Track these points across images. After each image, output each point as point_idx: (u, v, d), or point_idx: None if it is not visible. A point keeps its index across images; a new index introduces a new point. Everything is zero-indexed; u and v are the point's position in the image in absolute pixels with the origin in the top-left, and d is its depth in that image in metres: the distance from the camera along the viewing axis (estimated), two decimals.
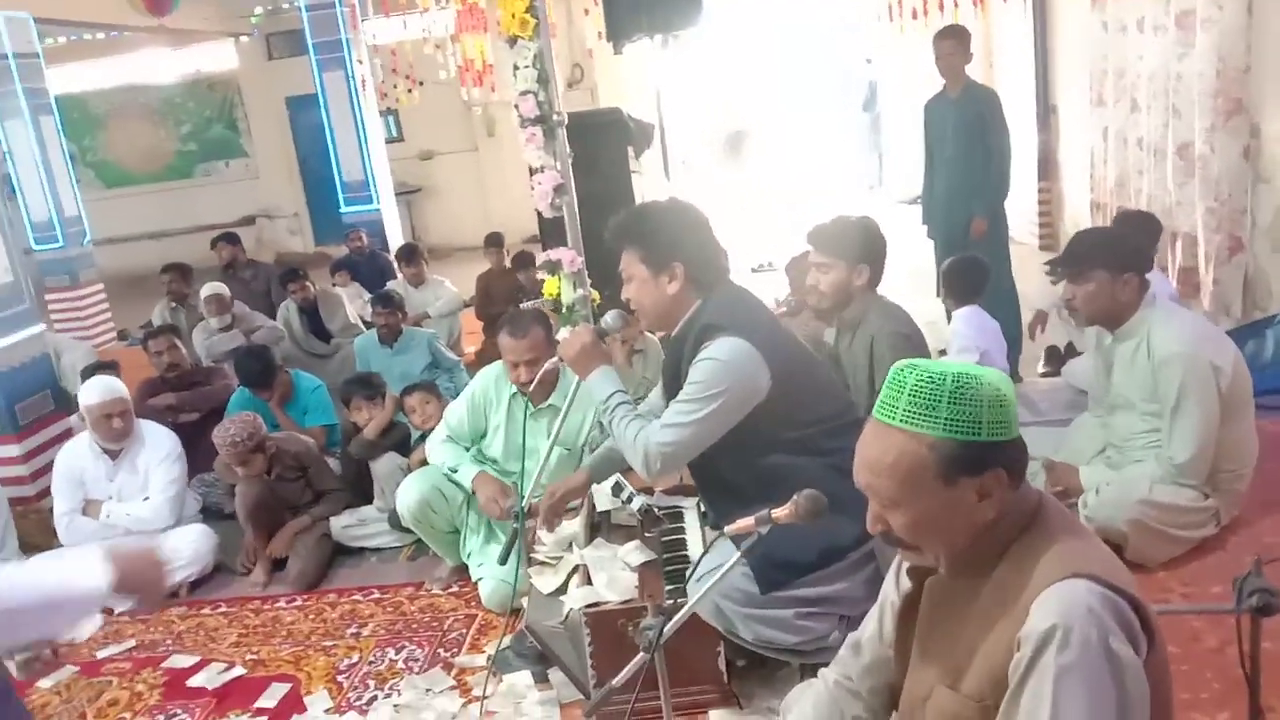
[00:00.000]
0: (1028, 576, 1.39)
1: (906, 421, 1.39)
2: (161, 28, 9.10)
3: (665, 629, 1.80)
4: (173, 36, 10.79)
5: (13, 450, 4.53)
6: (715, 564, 1.95)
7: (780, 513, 1.72)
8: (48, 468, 4.29)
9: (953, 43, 4.97)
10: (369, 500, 4.23)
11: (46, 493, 4.25)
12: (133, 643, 3.64)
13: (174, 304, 7.02)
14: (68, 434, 4.68)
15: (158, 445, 4.15)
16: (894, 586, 1.67)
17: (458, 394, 4.31)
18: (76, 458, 4.12)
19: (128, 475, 4.11)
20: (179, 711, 3.18)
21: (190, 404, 4.91)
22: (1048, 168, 7.95)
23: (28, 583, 1.56)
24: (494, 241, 7.46)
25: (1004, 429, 1.38)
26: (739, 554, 1.77)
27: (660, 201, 2.70)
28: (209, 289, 6.37)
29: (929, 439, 1.37)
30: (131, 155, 13.10)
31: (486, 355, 6.65)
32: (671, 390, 2.54)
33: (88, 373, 4.85)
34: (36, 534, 4.41)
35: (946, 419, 1.37)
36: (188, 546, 3.98)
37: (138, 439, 4.13)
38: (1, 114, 8.34)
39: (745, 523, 1.77)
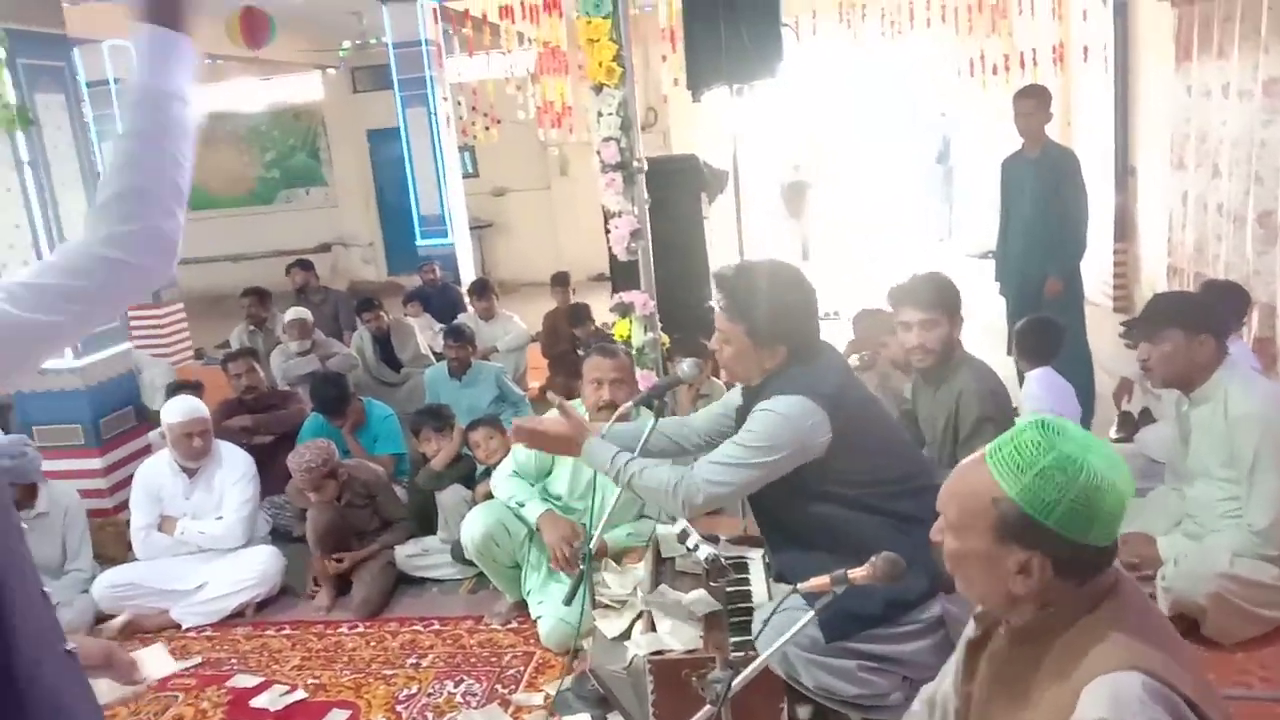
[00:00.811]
0: (1083, 662, 1.36)
1: (996, 466, 1.42)
2: (255, 59, 9.44)
3: (734, 683, 1.81)
4: (263, 67, 11.18)
5: (95, 464, 4.69)
6: (780, 612, 1.96)
7: (857, 574, 1.73)
8: (127, 481, 4.42)
9: (1033, 102, 4.96)
10: (433, 530, 4.29)
11: (125, 506, 4.38)
12: (199, 659, 3.73)
13: (252, 327, 7.22)
14: (147, 450, 4.82)
15: (234, 466, 4.27)
16: (963, 637, 1.67)
17: None
18: (156, 474, 4.24)
19: (203, 493, 4.22)
20: None
21: (265, 426, 5.03)
22: (1125, 229, 7.84)
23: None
24: (560, 280, 7.56)
25: (1076, 527, 1.36)
26: (812, 612, 1.78)
27: (776, 270, 2.57)
28: (293, 313, 6.54)
29: (1000, 492, 1.39)
30: (216, 179, 13.55)
31: (551, 391, 6.73)
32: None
33: (172, 391, 5.01)
34: (112, 546, 4.55)
35: (1026, 486, 1.37)
36: (258, 567, 4.08)
37: (215, 459, 4.25)
38: (100, 135, 8.71)
39: (820, 582, 1.78)
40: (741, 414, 2.62)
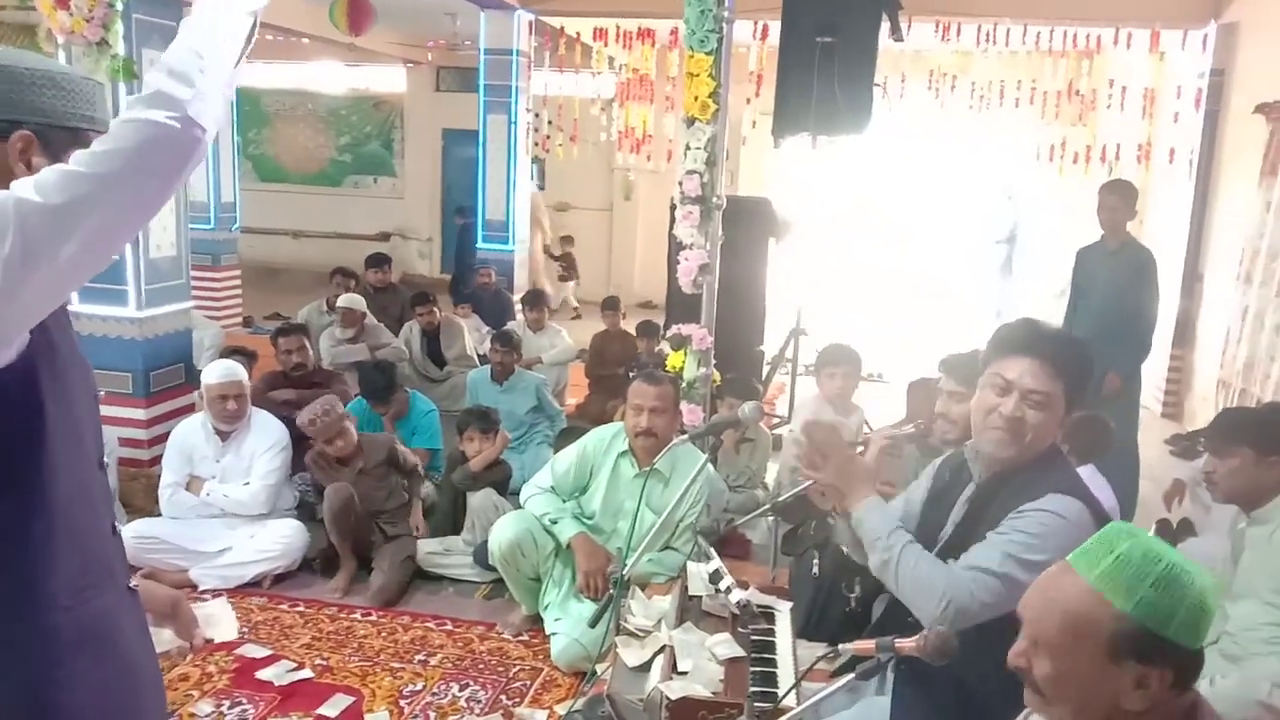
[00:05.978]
0: None
1: (1102, 583, 1.34)
2: (346, 45, 9.61)
3: None
4: (351, 53, 11.37)
5: (139, 414, 4.74)
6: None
7: (906, 644, 1.69)
8: (165, 436, 4.47)
9: (1118, 198, 4.92)
10: (458, 530, 4.29)
11: (159, 460, 4.43)
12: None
13: (325, 308, 7.26)
14: (191, 408, 4.87)
15: (266, 434, 4.31)
16: None
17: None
18: (190, 434, 4.30)
19: (234, 458, 4.27)
20: (244, 700, 3.24)
21: (307, 403, 5.05)
22: (1184, 337, 7.73)
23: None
24: (611, 305, 7.61)
25: (1191, 635, 1.33)
26: (852, 675, 1.75)
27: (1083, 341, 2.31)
28: (344, 300, 6.62)
29: (1115, 610, 1.32)
30: (289, 155, 13.78)
31: (587, 410, 6.73)
32: (971, 520, 2.19)
33: (225, 355, 5.07)
34: (141, 497, 4.60)
35: (1143, 599, 1.31)
36: (282, 539, 4.10)
37: (249, 425, 4.30)
38: None
39: (865, 645, 1.75)
40: (983, 497, 2.20)
